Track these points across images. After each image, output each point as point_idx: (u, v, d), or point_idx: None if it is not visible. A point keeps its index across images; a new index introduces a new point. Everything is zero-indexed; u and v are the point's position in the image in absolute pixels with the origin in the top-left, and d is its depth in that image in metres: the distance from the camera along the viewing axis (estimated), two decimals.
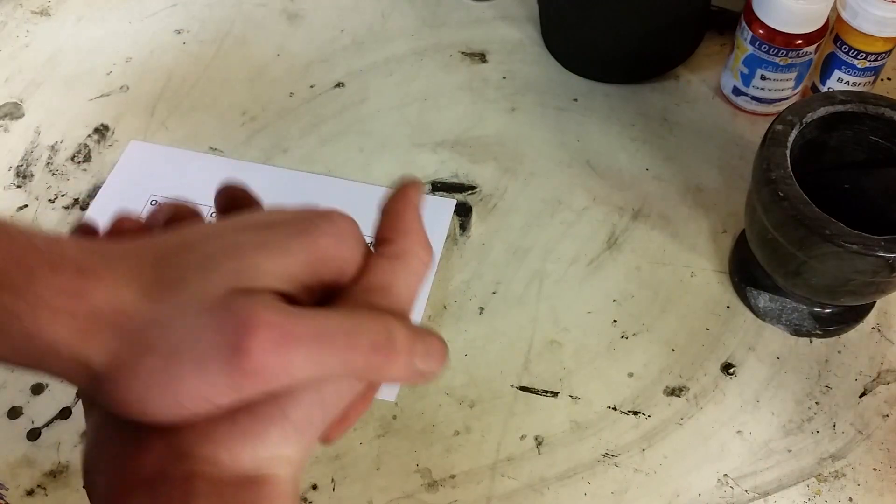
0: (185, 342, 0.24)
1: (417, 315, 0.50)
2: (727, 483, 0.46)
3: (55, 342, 0.24)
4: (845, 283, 0.44)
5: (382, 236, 0.29)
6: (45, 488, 0.45)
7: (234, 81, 0.63)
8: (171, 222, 0.31)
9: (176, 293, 0.25)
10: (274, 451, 0.25)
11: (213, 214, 0.33)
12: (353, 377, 0.26)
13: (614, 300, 0.52)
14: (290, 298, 0.26)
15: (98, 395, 0.25)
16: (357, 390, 0.27)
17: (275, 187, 0.56)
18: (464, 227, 0.55)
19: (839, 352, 0.50)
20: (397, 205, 0.30)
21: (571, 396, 0.48)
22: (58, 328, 0.24)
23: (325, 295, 0.27)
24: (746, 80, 0.58)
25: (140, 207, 0.54)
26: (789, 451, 0.47)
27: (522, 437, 0.47)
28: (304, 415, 0.25)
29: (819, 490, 0.45)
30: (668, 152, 0.59)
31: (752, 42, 0.56)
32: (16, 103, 0.61)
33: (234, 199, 0.33)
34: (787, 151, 0.44)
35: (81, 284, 0.25)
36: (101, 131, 0.60)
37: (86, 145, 0.59)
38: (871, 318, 0.51)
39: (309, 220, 0.27)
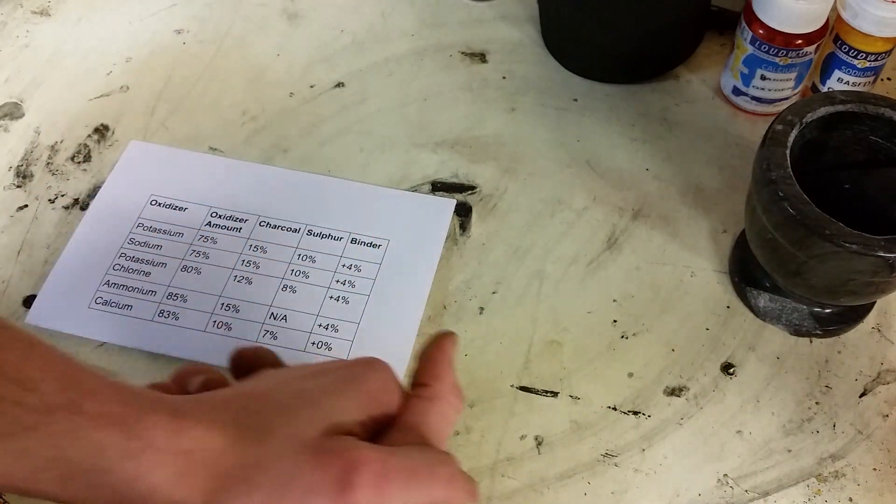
0: (288, 479, 0.26)
1: (417, 315, 0.50)
2: (727, 483, 0.46)
3: (154, 484, 0.26)
4: (845, 283, 0.44)
5: (419, 381, 0.33)
6: None
7: (234, 81, 0.63)
8: (206, 387, 0.34)
9: (265, 437, 0.27)
10: None
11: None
12: None
13: (614, 300, 0.52)
14: (355, 436, 0.29)
15: None
16: None
17: (275, 187, 0.56)
18: (464, 227, 0.55)
19: (839, 352, 0.50)
20: (434, 353, 0.33)
21: (571, 396, 0.48)
22: (159, 469, 0.26)
23: (374, 431, 0.30)
24: (746, 80, 0.58)
25: (140, 207, 0.54)
26: (789, 451, 0.47)
27: (522, 437, 0.47)
28: None
29: (819, 490, 0.45)
30: (668, 152, 0.59)
31: (752, 42, 0.56)
32: (16, 103, 0.61)
33: (248, 361, 0.36)
34: (787, 151, 0.44)
35: (178, 425, 0.27)
36: (101, 131, 0.60)
37: (86, 145, 0.59)
38: (871, 318, 0.51)
39: (356, 369, 0.31)
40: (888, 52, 0.55)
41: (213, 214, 0.54)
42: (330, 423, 0.28)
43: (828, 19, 0.55)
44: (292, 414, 0.28)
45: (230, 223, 0.54)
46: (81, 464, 0.26)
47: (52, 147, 0.59)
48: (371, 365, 0.32)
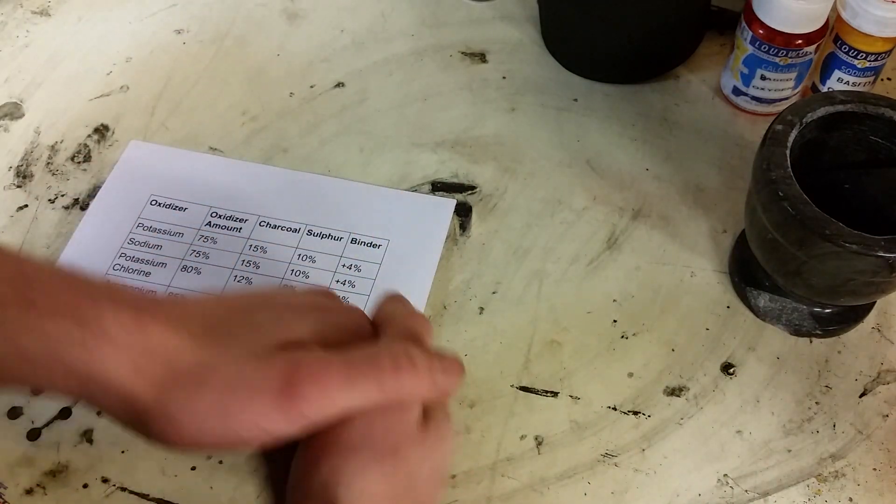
0: (238, 379, 0.27)
1: None
2: (727, 483, 0.46)
3: (108, 374, 0.27)
4: (845, 283, 0.44)
5: (375, 320, 0.34)
6: (44, 487, 0.45)
7: (234, 81, 0.63)
8: None
9: (222, 342, 0.28)
10: (346, 471, 0.28)
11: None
12: (386, 398, 0.29)
13: (614, 300, 0.52)
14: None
15: (141, 426, 0.27)
16: (404, 422, 0.30)
17: (275, 187, 0.56)
18: (464, 227, 0.55)
19: (839, 352, 0.50)
20: (379, 303, 0.35)
21: (571, 396, 0.48)
22: (113, 361, 0.27)
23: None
24: (746, 80, 0.58)
25: (140, 207, 0.54)
26: (789, 451, 0.47)
27: (522, 437, 0.47)
28: (358, 441, 0.28)
29: (819, 490, 0.45)
30: (668, 152, 0.59)
31: (752, 42, 0.56)
32: (16, 103, 0.61)
33: None
34: (787, 151, 0.44)
35: (139, 322, 0.27)
36: (101, 131, 0.60)
37: (86, 145, 0.59)
38: (871, 318, 0.51)
39: (328, 299, 0.33)
40: (888, 52, 0.55)
41: (213, 214, 0.54)
42: (288, 336, 0.29)
43: (828, 19, 0.55)
44: (255, 326, 0.29)
45: (230, 223, 0.54)
46: (38, 355, 0.26)
47: (52, 147, 0.59)
48: (332, 296, 0.34)
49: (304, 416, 0.27)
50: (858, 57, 0.55)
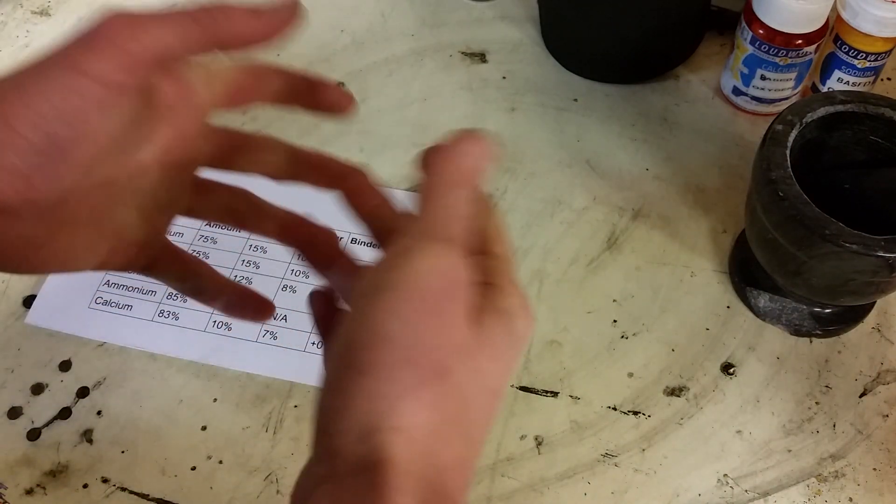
0: (45, 58, 0.25)
1: None
2: (727, 483, 0.46)
3: None
4: (845, 283, 0.44)
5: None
6: (44, 487, 0.45)
7: None
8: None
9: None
10: None
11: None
12: (206, 35, 0.27)
13: (614, 300, 0.52)
14: None
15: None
16: (452, 323, 0.25)
17: (275, 188, 0.56)
18: None
19: (839, 352, 0.50)
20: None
21: (571, 396, 0.48)
22: None
23: None
24: (746, 80, 0.58)
25: None
26: (789, 451, 0.47)
27: (522, 437, 0.47)
28: (401, 357, 0.23)
29: (819, 490, 0.45)
30: (668, 152, 0.59)
31: (752, 42, 0.56)
32: None
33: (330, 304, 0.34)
34: (787, 151, 0.44)
35: None
36: None
37: None
38: (871, 318, 0.51)
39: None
40: (888, 52, 0.55)
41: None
42: None
43: (828, 19, 0.55)
44: None
45: None
46: None
47: None
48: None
49: (126, 50, 0.25)
50: (858, 57, 0.55)
